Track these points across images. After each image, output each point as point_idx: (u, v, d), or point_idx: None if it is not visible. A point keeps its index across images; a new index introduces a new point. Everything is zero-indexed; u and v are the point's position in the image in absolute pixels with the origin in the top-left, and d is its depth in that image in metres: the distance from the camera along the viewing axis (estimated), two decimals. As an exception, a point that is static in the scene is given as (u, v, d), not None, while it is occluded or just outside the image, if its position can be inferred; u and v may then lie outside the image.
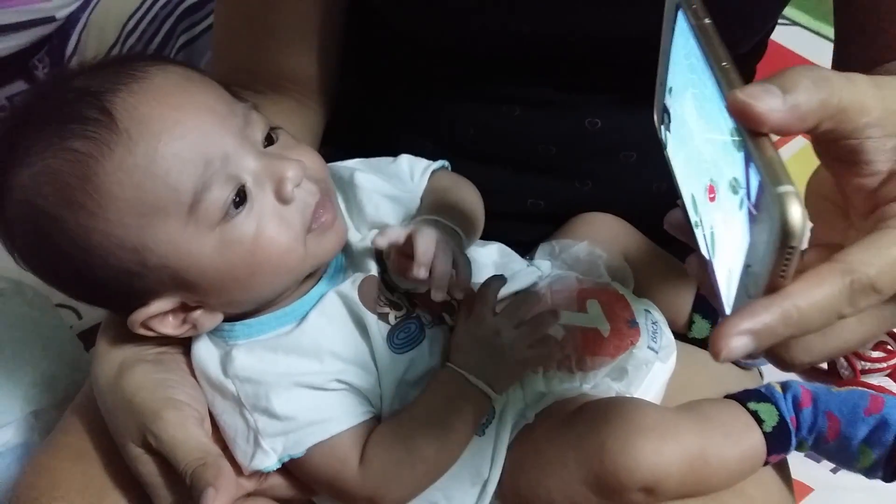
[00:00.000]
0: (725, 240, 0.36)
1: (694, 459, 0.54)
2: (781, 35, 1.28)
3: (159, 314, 0.53)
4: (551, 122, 0.66)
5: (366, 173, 0.61)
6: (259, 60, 0.67)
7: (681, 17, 0.38)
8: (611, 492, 0.54)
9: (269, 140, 0.55)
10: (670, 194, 0.74)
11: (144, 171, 0.49)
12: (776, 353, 0.37)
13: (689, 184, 0.40)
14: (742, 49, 0.65)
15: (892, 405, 0.58)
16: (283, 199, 0.52)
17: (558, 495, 0.55)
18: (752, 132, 0.34)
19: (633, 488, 0.53)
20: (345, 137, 0.76)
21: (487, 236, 0.66)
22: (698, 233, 0.40)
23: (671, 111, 0.42)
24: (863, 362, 0.86)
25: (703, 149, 0.38)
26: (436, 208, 0.59)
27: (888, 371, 0.85)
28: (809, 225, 0.40)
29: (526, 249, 0.69)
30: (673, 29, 0.40)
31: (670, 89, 0.42)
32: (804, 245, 0.34)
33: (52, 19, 1.09)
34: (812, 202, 0.42)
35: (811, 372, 0.88)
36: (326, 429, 0.52)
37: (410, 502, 0.56)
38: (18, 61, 1.12)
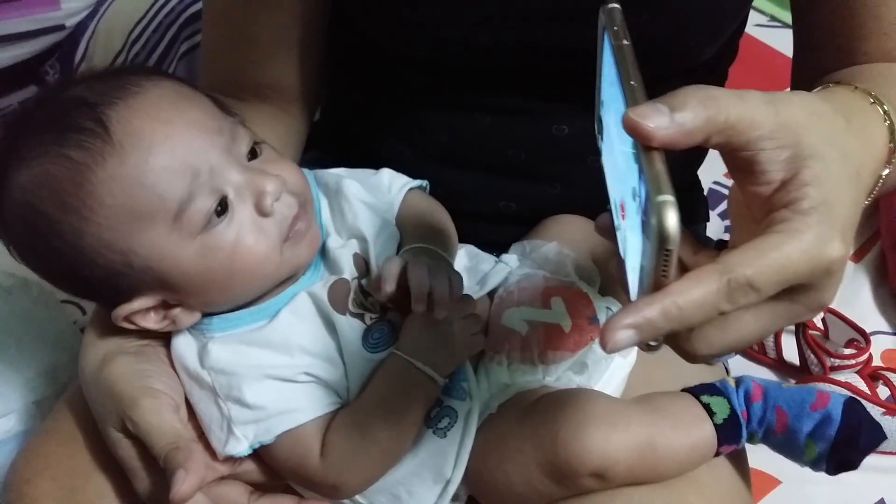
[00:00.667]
0: (631, 242, 0.40)
1: (643, 448, 0.57)
2: (770, 36, 1.31)
3: (141, 310, 0.56)
4: (520, 129, 0.69)
5: (351, 181, 0.65)
6: (242, 71, 0.71)
7: (606, 37, 0.42)
8: (563, 477, 0.57)
9: (253, 153, 0.58)
10: (636, 197, 0.76)
11: (134, 181, 0.53)
12: (679, 346, 0.40)
13: (613, 190, 0.44)
14: (706, 55, 0.67)
15: (836, 402, 0.60)
16: (262, 212, 0.56)
17: (516, 479, 0.58)
18: (645, 146, 0.37)
19: (583, 474, 0.56)
20: (331, 143, 0.80)
21: (463, 238, 0.69)
22: (618, 236, 0.43)
23: (603, 122, 0.45)
24: (832, 359, 0.89)
25: (619, 159, 0.41)
26: (422, 236, 0.62)
27: (857, 368, 0.88)
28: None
29: (500, 250, 0.71)
30: (602, 47, 0.43)
31: (602, 102, 0.45)
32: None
33: (62, 27, 1.13)
34: (732, 209, 0.45)
35: (783, 367, 0.91)
36: (295, 418, 0.55)
37: (375, 496, 0.59)
38: (30, 67, 1.16)
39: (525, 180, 0.71)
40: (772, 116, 0.39)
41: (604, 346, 0.37)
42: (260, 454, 0.57)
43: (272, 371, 0.56)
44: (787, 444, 0.61)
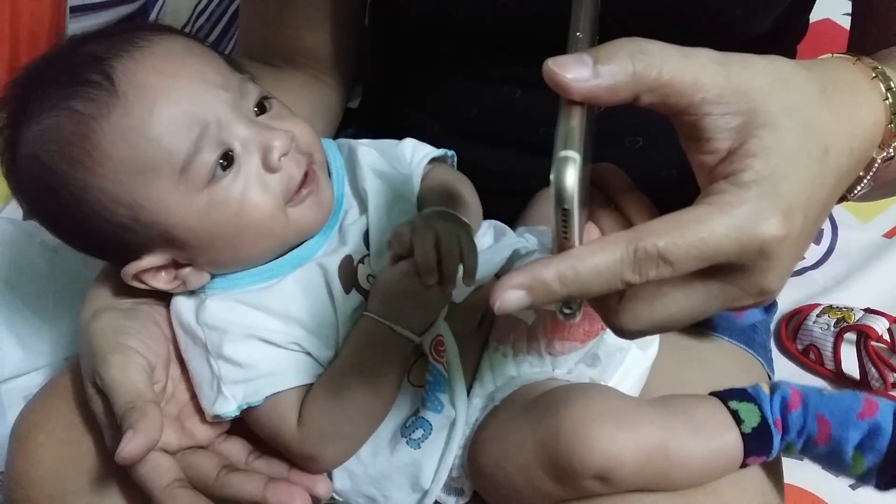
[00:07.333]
0: None
1: (653, 452, 0.53)
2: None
3: (151, 269, 0.56)
4: (552, 105, 0.65)
5: (368, 149, 0.62)
6: (277, 35, 0.70)
7: None
8: (565, 477, 0.53)
9: (262, 108, 0.56)
10: (678, 182, 0.72)
11: (139, 133, 0.52)
12: (606, 319, 0.39)
13: None
14: (760, 28, 0.62)
15: (886, 409, 0.54)
16: (269, 167, 0.54)
17: (517, 477, 0.55)
18: (568, 100, 0.35)
19: (585, 475, 0.52)
20: (367, 119, 0.78)
21: (492, 217, 0.66)
22: None
23: None
24: (895, 374, 0.81)
25: None
26: (442, 200, 0.59)
27: (923, 385, 0.80)
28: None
29: (531, 231, 0.68)
30: None
31: None
32: None
33: (134, -1, 1.16)
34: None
35: (841, 380, 0.84)
36: (284, 381, 0.54)
37: (352, 497, 0.58)
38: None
39: (558, 160, 0.67)
40: (721, 79, 0.35)
41: (491, 305, 0.35)
42: (245, 420, 0.56)
43: (264, 334, 0.55)
44: (831, 457, 0.55)
